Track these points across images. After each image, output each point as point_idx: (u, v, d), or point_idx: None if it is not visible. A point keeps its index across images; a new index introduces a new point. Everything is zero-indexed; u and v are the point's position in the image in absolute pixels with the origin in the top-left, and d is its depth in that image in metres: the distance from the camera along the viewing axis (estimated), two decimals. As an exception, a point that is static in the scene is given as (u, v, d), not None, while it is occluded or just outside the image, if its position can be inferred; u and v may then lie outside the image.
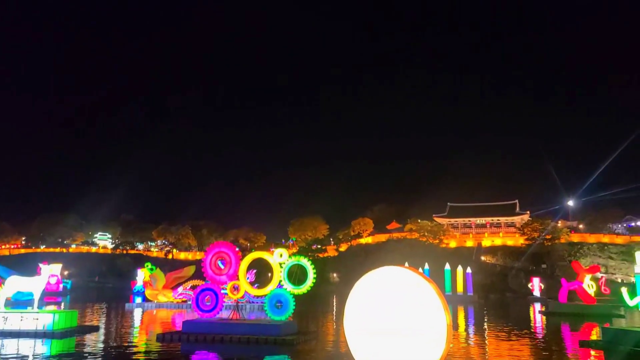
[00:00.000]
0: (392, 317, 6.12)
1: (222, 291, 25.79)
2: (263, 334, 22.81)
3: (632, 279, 24.05)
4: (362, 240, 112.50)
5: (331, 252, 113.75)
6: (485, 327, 35.69)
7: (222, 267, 26.06)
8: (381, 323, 6.17)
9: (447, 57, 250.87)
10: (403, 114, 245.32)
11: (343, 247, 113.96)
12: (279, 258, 25.25)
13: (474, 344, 25.76)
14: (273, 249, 27.37)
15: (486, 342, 26.51)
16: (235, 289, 25.97)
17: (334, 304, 56.59)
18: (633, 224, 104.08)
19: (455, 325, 33.76)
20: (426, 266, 72.73)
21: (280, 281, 24.94)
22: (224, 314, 27.83)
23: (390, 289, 6.21)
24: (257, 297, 26.37)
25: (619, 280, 74.73)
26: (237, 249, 27.02)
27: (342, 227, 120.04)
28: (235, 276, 25.71)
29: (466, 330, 33.07)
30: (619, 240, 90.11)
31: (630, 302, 23.12)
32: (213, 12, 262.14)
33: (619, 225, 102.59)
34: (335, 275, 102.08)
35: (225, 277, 25.66)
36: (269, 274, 25.65)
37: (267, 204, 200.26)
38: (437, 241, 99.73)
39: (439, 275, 69.56)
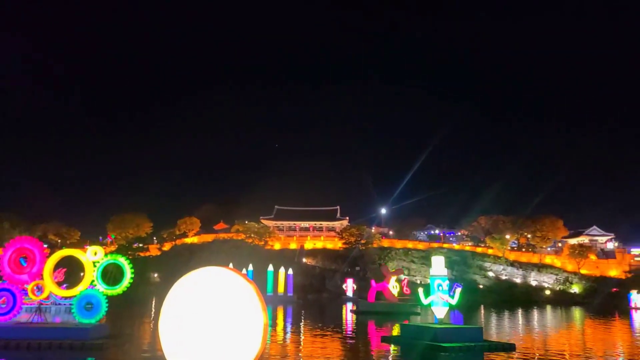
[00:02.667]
0: (210, 318, 6.19)
1: (22, 292, 23.11)
2: (69, 338, 21.01)
3: (428, 281, 27.37)
4: (188, 240, 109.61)
5: (154, 251, 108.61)
6: (302, 326, 37.45)
7: (24, 265, 23.37)
8: (198, 324, 6.20)
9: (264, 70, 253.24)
10: (228, 117, 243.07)
11: (167, 247, 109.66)
12: (93, 256, 23.56)
13: (289, 342, 26.89)
14: (88, 247, 25.32)
15: (301, 340, 27.87)
16: (39, 289, 23.48)
17: (153, 305, 54.23)
18: (432, 232, 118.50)
19: (273, 325, 34.84)
20: (250, 267, 73.60)
21: (93, 281, 23.28)
22: (23, 318, 24.94)
23: (210, 289, 6.27)
24: (65, 298, 24.15)
25: (419, 282, 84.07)
26: (44, 245, 24.46)
27: (168, 226, 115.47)
28: (39, 275, 23.23)
29: (284, 329, 34.33)
30: (421, 246, 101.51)
31: (425, 301, 26.15)
32: None
33: (422, 233, 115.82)
34: (156, 275, 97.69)
35: (26, 276, 23.03)
36: (82, 274, 23.74)
37: (84, 197, 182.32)
38: (262, 242, 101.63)
39: (262, 276, 71.04)
